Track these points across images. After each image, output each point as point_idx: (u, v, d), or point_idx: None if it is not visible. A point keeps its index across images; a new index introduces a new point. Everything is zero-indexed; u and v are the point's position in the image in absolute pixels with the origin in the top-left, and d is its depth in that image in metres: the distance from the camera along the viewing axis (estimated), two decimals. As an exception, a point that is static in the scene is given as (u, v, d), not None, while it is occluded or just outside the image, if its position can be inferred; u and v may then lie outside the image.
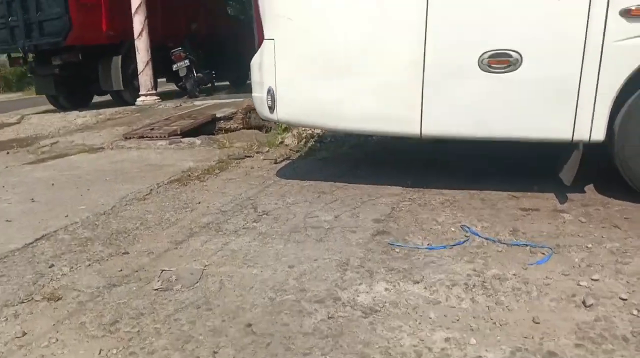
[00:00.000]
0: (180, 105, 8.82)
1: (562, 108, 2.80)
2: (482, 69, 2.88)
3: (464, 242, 2.62)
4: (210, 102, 8.76)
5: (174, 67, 9.86)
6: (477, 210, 3.08)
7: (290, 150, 5.26)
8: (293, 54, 3.36)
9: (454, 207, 3.14)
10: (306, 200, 3.46)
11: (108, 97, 11.24)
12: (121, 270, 2.61)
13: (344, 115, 3.33)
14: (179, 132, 6.34)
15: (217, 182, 4.21)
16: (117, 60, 9.63)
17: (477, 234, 2.70)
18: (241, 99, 8.52)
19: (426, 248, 2.58)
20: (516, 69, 2.82)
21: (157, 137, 6.24)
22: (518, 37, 2.81)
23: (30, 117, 9.89)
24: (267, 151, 5.29)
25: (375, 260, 2.47)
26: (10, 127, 9.27)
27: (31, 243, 3.08)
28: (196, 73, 10.06)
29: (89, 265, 2.71)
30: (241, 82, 13.59)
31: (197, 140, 5.89)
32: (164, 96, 10.06)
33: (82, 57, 9.49)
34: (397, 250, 2.57)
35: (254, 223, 3.10)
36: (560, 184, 3.06)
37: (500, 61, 2.83)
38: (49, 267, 2.71)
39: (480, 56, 2.86)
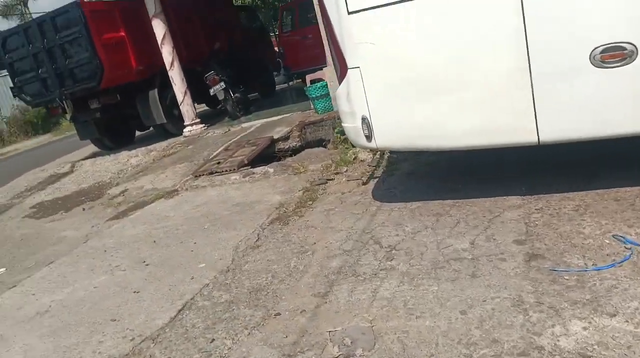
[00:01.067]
0: (229, 130, 8.84)
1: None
2: (595, 66, 2.74)
3: (630, 256, 2.54)
4: (257, 122, 8.76)
5: (211, 91, 9.87)
6: (618, 213, 2.98)
7: (369, 165, 5.22)
8: (383, 79, 3.29)
9: (591, 214, 3.05)
10: (426, 226, 3.42)
11: (150, 130, 11.37)
12: (286, 336, 2.61)
13: (448, 133, 3.25)
14: (246, 162, 6.35)
15: (317, 215, 4.19)
16: (154, 94, 9.70)
17: (637, 244, 2.62)
18: (288, 115, 8.54)
19: (593, 269, 2.51)
20: (632, 61, 2.68)
21: (226, 171, 6.26)
22: (631, 27, 2.65)
23: (81, 164, 10.06)
24: (346, 171, 5.26)
25: (550, 292, 2.41)
26: (66, 177, 9.45)
27: (175, 316, 3.11)
28: (233, 94, 10.06)
29: (249, 333, 2.73)
30: (270, 92, 13.62)
31: (270, 169, 5.89)
32: (202, 118, 10.07)
33: (119, 96, 9.59)
34: (565, 276, 2.51)
35: (389, 262, 3.07)
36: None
37: (614, 55, 2.69)
38: (210, 342, 2.73)
39: (592, 52, 2.72)
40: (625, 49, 2.62)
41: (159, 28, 8.91)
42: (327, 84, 7.15)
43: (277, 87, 14.57)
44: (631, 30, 2.59)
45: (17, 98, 11.38)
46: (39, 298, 3.98)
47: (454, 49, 2.96)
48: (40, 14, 10.77)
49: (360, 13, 3.11)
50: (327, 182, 5.03)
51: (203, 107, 12.68)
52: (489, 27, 2.84)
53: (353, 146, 5.89)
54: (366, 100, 3.30)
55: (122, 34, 9.02)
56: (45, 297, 3.98)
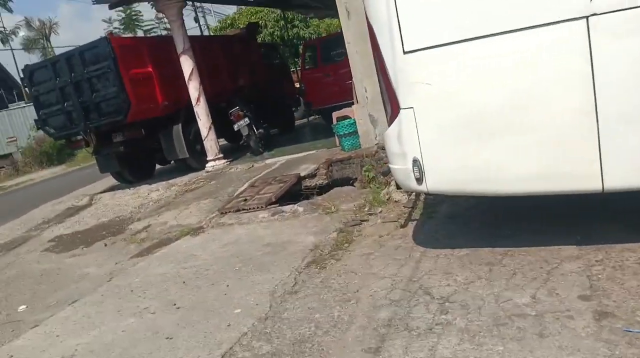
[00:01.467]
0: (253, 166, 8.78)
1: None
2: None
3: None
4: (281, 158, 8.70)
5: (235, 127, 9.89)
6: (690, 269, 2.80)
7: (405, 207, 5.06)
8: (438, 121, 3.17)
9: (659, 268, 2.87)
10: (480, 277, 3.24)
11: (170, 165, 11.34)
12: (339, 397, 2.42)
13: (505, 178, 3.11)
14: (274, 200, 6.24)
15: (356, 259, 4.02)
16: (178, 129, 9.71)
17: None
18: (312, 152, 8.47)
19: (674, 331, 2.32)
20: None
21: (254, 208, 6.14)
22: None
23: (99, 197, 10.01)
24: (380, 211, 5.11)
25: (629, 356, 2.22)
26: (85, 210, 9.39)
27: (215, 368, 2.93)
28: (256, 129, 10.05)
29: (297, 392, 2.53)
30: (289, 128, 13.65)
31: (299, 207, 5.76)
32: (224, 153, 10.04)
33: (144, 130, 9.60)
34: (644, 338, 2.31)
35: (444, 316, 2.88)
36: None
37: None
38: (256, 400, 2.54)
39: None
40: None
41: (186, 64, 8.99)
42: (354, 122, 7.08)
43: (296, 123, 14.61)
44: None
45: (39, 130, 11.47)
46: (63, 341, 3.82)
47: (517, 90, 2.85)
48: (62, 48, 10.94)
49: (417, 52, 3.02)
50: (361, 223, 4.88)
51: (222, 142, 12.69)
52: (554, 69, 2.73)
53: (384, 185, 5.80)
54: (419, 142, 3.17)
55: (150, 69, 9.10)
56: (70, 339, 3.81)
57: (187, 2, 9.52)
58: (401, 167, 3.38)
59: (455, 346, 2.59)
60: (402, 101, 3.18)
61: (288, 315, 3.36)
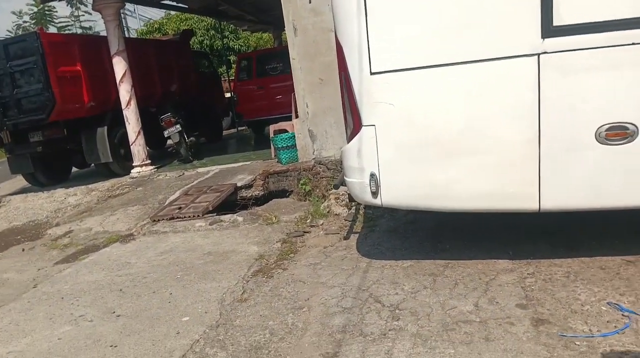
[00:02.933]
0: (183, 174, 8.60)
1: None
2: (599, 142, 2.97)
3: (629, 324, 2.69)
4: (214, 168, 8.60)
5: (166, 133, 9.64)
6: (607, 281, 3.17)
7: (345, 220, 5.24)
8: (397, 139, 3.36)
9: (582, 281, 3.22)
10: (425, 286, 3.44)
11: (89, 168, 10.76)
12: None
13: (454, 195, 3.36)
14: (211, 209, 6.17)
15: (303, 269, 4.11)
16: (103, 132, 9.26)
17: (632, 312, 2.79)
18: (247, 163, 8.47)
19: (600, 335, 2.63)
20: (633, 139, 2.94)
21: (190, 217, 6.03)
22: (633, 110, 2.91)
23: (9, 199, 9.31)
24: (322, 223, 5.24)
25: (566, 357, 2.49)
26: (-8, 213, 8.67)
27: (168, 374, 2.87)
28: (187, 137, 9.86)
29: (259, 396, 2.56)
30: (217, 137, 13.51)
31: (239, 217, 5.74)
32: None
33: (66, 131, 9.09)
34: (576, 342, 2.60)
35: (396, 322, 3.04)
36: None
37: (618, 133, 2.94)
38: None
39: (598, 129, 2.96)
40: (627, 128, 2.88)
41: (119, 66, 8.67)
42: (294, 136, 7.20)
43: (224, 133, 14.48)
44: (634, 113, 2.86)
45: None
46: (-11, 350, 3.53)
47: (472, 116, 3.12)
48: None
49: (383, 74, 3.21)
50: (304, 235, 4.98)
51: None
52: (506, 99, 3.03)
53: (322, 198, 5.95)
54: (377, 158, 3.35)
55: (78, 68, 8.66)
56: (-3, 348, 3.54)
57: (126, 2, 9.19)
58: (358, 181, 3.53)
59: (410, 350, 2.75)
60: (365, 118, 3.35)
61: (240, 322, 3.36)
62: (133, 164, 9.26)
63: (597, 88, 2.90)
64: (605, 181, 3.05)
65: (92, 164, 9.96)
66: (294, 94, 7.04)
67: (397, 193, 3.46)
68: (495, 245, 3.88)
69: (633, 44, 2.81)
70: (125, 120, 9.07)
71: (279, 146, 7.31)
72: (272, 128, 8.14)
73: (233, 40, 23.91)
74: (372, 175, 3.46)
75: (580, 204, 3.17)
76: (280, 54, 11.78)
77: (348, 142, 3.56)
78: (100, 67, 9.14)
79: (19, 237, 6.96)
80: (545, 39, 2.93)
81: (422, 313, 3.11)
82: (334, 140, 6.75)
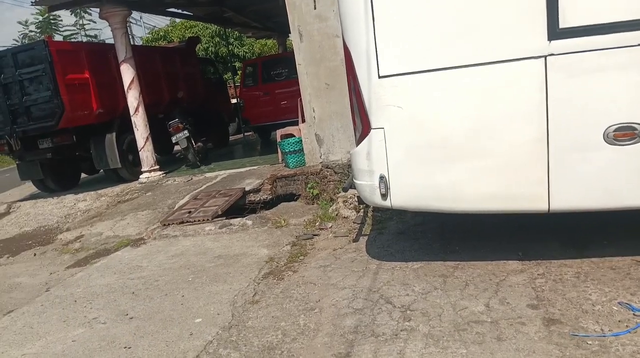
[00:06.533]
0: (191, 179, 8.66)
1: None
2: (607, 142, 2.99)
3: (641, 323, 2.71)
4: (221, 172, 8.65)
5: (174, 139, 9.71)
6: (618, 281, 3.19)
7: (354, 222, 5.27)
8: (406, 141, 3.40)
9: (593, 281, 3.23)
10: (436, 287, 3.47)
11: (98, 174, 10.85)
12: (316, 399, 2.51)
13: (464, 197, 3.39)
14: (220, 213, 6.21)
15: (313, 271, 4.14)
16: (112, 138, 9.35)
17: (643, 311, 2.81)
18: (255, 167, 8.52)
19: (612, 335, 2.65)
20: None
21: (199, 221, 6.08)
22: None
23: (19, 205, 9.40)
24: (331, 226, 5.27)
25: (579, 357, 2.50)
26: (3, 219, 8.78)
27: (182, 375, 2.91)
28: (195, 143, 9.93)
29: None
30: (224, 142, 13.59)
31: (248, 221, 5.78)
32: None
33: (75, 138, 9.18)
34: (588, 341, 2.62)
35: (408, 323, 3.07)
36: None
37: (626, 134, 2.96)
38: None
39: (606, 130, 2.98)
40: (635, 129, 2.90)
41: (127, 73, 8.76)
42: (300, 140, 7.25)
43: (230, 139, 14.56)
44: None
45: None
46: (5, 351, 3.59)
47: (480, 117, 3.15)
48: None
49: (392, 77, 3.25)
50: (313, 237, 5.01)
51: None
52: (514, 101, 3.06)
53: (331, 201, 5.98)
54: (386, 160, 3.38)
55: (87, 75, 8.76)
56: (12, 350, 3.59)
57: (132, 11, 9.30)
58: (367, 183, 3.56)
59: (422, 350, 2.77)
60: (374, 121, 3.38)
61: (252, 323, 3.40)
62: (142, 170, 9.34)
63: (604, 89, 2.93)
64: (614, 181, 3.07)
65: (101, 170, 10.05)
66: (300, 99, 7.09)
67: (406, 195, 3.49)
68: (505, 246, 3.90)
69: (639, 45, 2.83)
70: (134, 127, 9.16)
71: (286, 150, 7.36)
72: (279, 133, 8.19)
73: (238, 47, 24.06)
74: (382, 178, 3.49)
75: (590, 204, 3.19)
76: (285, 59, 11.86)
77: (357, 144, 3.60)
78: (108, 74, 9.24)
79: (30, 242, 7.04)
80: (552, 41, 2.96)
81: (433, 313, 3.13)
82: (340, 144, 6.79)
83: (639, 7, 2.80)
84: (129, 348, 3.33)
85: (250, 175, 7.95)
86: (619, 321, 2.78)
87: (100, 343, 3.46)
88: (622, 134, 2.94)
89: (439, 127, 3.24)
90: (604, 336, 2.65)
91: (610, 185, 3.06)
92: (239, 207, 6.86)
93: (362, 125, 3.48)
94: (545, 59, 2.94)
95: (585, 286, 3.20)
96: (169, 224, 6.23)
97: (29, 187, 11.01)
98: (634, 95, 2.89)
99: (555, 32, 2.94)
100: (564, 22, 2.92)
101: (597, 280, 3.24)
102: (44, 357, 3.40)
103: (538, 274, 3.44)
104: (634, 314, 2.82)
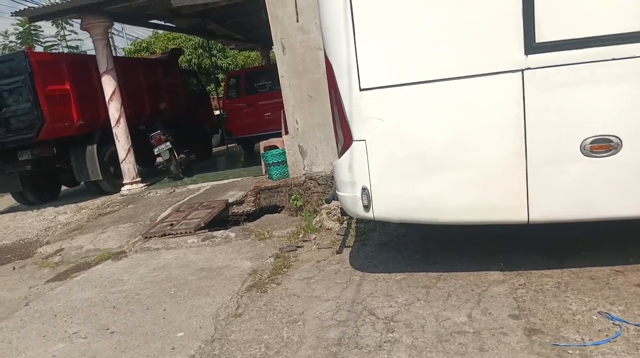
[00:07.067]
0: (174, 191, 8.61)
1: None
2: (584, 155, 3.05)
3: (620, 332, 2.75)
4: (204, 184, 8.61)
5: (156, 151, 9.64)
6: (597, 291, 3.24)
7: (337, 234, 5.28)
8: (387, 153, 3.43)
9: (573, 291, 3.28)
10: (418, 298, 3.49)
11: (78, 186, 10.72)
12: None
13: (445, 209, 3.42)
14: (203, 225, 6.17)
15: (297, 283, 4.13)
16: (93, 150, 9.26)
17: (623, 321, 2.85)
18: (238, 179, 8.50)
19: (592, 344, 2.68)
20: (617, 152, 3.02)
21: (182, 233, 6.03)
22: (617, 123, 3.00)
23: (-3, 217, 9.22)
24: (314, 238, 5.27)
25: (560, 365, 2.54)
26: (-19, 232, 8.58)
27: (164, 390, 2.87)
28: (177, 154, 9.88)
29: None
30: (207, 154, 13.54)
31: (231, 233, 5.75)
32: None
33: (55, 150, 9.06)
34: (569, 351, 2.65)
35: (391, 334, 3.07)
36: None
37: (602, 146, 3.03)
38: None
39: (582, 142, 3.04)
40: (611, 141, 2.97)
41: (108, 84, 8.71)
42: (284, 152, 7.26)
43: (213, 150, 14.51)
44: (617, 126, 2.95)
45: None
46: (-19, 370, 3.50)
47: (459, 130, 3.20)
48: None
49: (373, 90, 3.29)
50: (296, 249, 5.01)
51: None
52: (492, 114, 3.11)
53: (314, 213, 5.99)
54: (368, 172, 3.41)
55: (67, 86, 8.68)
56: (-11, 367, 3.51)
57: (114, 22, 9.25)
58: (350, 195, 3.58)
59: (408, 361, 2.78)
60: (355, 133, 3.41)
61: (235, 337, 3.37)
62: (123, 182, 9.25)
63: (580, 102, 3.00)
64: (592, 192, 3.13)
65: (82, 182, 9.92)
66: (284, 111, 7.12)
67: (388, 206, 3.52)
68: (487, 257, 3.94)
69: (613, 59, 2.91)
70: (115, 138, 9.08)
71: (270, 162, 7.36)
72: (262, 144, 8.19)
73: (221, 59, 24.05)
74: (364, 189, 3.51)
75: (568, 215, 3.25)
76: (269, 71, 11.90)
77: (339, 156, 3.62)
78: (89, 85, 9.17)
79: (9, 255, 6.90)
80: (529, 55, 3.03)
81: (416, 325, 3.14)
82: (324, 156, 6.82)
83: (612, 23, 2.89)
84: (111, 363, 3.27)
85: (233, 187, 7.93)
86: (599, 330, 2.82)
87: (81, 358, 3.40)
88: (599, 146, 3.01)
89: (420, 139, 3.28)
90: (584, 345, 2.69)
91: (588, 196, 3.12)
92: (222, 219, 6.82)
93: (344, 137, 3.50)
94: (523, 73, 3.00)
95: (566, 296, 3.24)
96: (150, 237, 6.16)
97: (8, 200, 10.83)
98: (610, 108, 2.97)
99: (531, 46, 3.01)
100: (540, 36, 2.99)
101: (577, 290, 3.29)
102: (21, 374, 3.32)
103: (519, 284, 3.49)
104: (613, 323, 2.86)
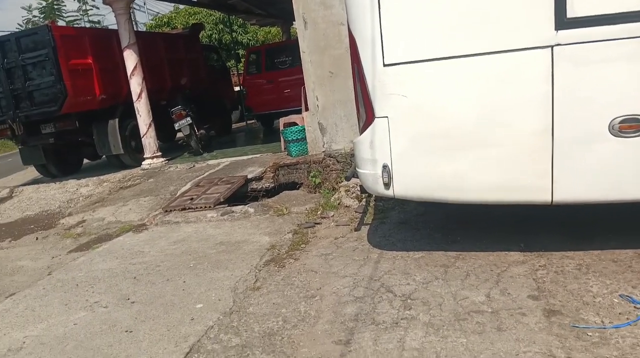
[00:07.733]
0: (194, 166, 8.66)
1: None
2: (612, 134, 2.97)
3: (643, 315, 2.71)
4: (224, 160, 8.65)
5: (176, 126, 9.70)
6: (619, 274, 3.18)
7: (356, 211, 5.27)
8: (410, 131, 3.38)
9: (594, 273, 3.23)
10: (437, 277, 3.47)
11: (100, 160, 10.87)
12: (316, 385, 2.52)
13: (467, 187, 3.38)
14: (222, 200, 6.22)
15: (314, 259, 4.14)
16: (115, 124, 9.35)
17: (645, 304, 2.81)
18: (257, 155, 8.51)
19: (612, 327, 2.65)
20: None
21: (201, 208, 6.09)
22: None
23: (21, 189, 9.42)
24: (333, 215, 5.27)
25: (578, 348, 2.51)
26: (6, 203, 8.80)
27: (184, 359, 2.92)
28: (197, 130, 9.91)
29: (273, 381, 2.60)
30: (227, 130, 13.56)
31: (250, 209, 5.78)
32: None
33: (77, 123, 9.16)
34: (588, 333, 2.62)
35: (408, 312, 3.07)
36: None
37: (632, 126, 2.94)
38: (231, 389, 2.58)
39: (611, 122, 2.96)
40: (640, 121, 2.88)
41: (130, 59, 8.73)
42: (304, 129, 7.23)
43: (233, 126, 14.54)
44: None
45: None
46: (7, 333, 3.61)
47: (485, 107, 3.13)
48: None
49: (396, 66, 3.23)
50: (315, 226, 5.01)
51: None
52: (519, 91, 3.04)
53: (333, 191, 5.98)
54: (390, 149, 3.37)
55: (90, 61, 8.74)
56: (14, 332, 3.61)
57: (136, -5, 9.25)
58: (370, 172, 3.56)
59: (422, 338, 2.78)
60: (378, 110, 3.37)
61: (253, 310, 3.41)
62: (144, 156, 9.34)
63: (610, 80, 2.90)
64: (619, 174, 3.06)
65: (104, 156, 10.06)
66: (304, 87, 7.07)
67: (409, 184, 3.48)
68: (507, 237, 3.89)
69: (647, 36, 2.81)
70: (137, 113, 9.14)
71: (289, 139, 7.35)
72: (282, 121, 8.16)
73: (242, 34, 23.93)
74: (385, 167, 3.48)
75: (593, 197, 3.18)
76: (289, 47, 11.79)
77: (361, 133, 3.58)
78: (111, 60, 9.22)
79: (32, 226, 7.06)
80: (559, 31, 2.93)
81: (434, 303, 3.14)
82: (343, 133, 6.77)
83: (648, -2, 2.77)
84: (130, 332, 3.34)
85: (252, 163, 7.95)
86: (620, 313, 2.78)
87: (102, 326, 3.48)
88: (628, 126, 2.93)
89: (444, 116, 3.22)
90: (604, 328, 2.65)
91: (615, 177, 3.05)
92: (241, 195, 6.86)
93: (366, 114, 3.46)
94: (552, 49, 2.91)
95: (587, 278, 3.19)
96: (171, 211, 6.24)
97: (32, 172, 11.03)
98: (640, 86, 2.87)
99: (562, 21, 2.91)
100: (572, 11, 2.89)
101: (598, 273, 3.24)
102: (45, 340, 3.41)
103: (539, 265, 3.44)
104: (634, 307, 2.82)
